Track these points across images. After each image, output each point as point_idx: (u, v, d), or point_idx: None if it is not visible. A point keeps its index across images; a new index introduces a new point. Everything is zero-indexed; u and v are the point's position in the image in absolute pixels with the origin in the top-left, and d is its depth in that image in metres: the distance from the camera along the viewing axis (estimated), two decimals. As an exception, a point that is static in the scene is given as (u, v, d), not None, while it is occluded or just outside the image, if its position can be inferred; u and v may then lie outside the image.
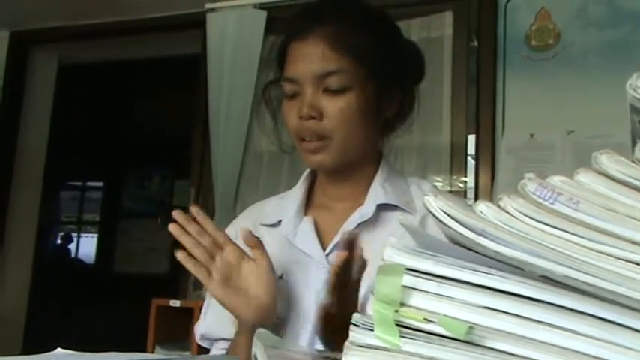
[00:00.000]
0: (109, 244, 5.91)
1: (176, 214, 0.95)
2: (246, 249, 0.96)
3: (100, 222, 6.40)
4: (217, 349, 1.07)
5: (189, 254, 0.94)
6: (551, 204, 0.43)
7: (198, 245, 0.94)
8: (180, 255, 0.93)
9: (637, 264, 0.40)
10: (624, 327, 0.41)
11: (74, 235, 6.73)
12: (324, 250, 1.03)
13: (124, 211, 5.94)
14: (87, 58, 3.73)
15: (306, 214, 1.09)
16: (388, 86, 1.04)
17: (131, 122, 5.76)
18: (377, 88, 1.02)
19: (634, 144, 0.44)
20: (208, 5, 2.88)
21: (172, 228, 0.94)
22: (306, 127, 1.00)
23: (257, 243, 0.95)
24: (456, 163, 2.53)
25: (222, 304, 0.95)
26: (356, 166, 1.07)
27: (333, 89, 0.99)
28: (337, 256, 0.85)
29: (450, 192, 2.40)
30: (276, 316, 0.97)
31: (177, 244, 0.95)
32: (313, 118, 0.99)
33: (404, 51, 1.09)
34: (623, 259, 0.40)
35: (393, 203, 1.04)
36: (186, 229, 0.94)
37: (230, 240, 0.96)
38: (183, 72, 3.30)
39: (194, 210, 0.96)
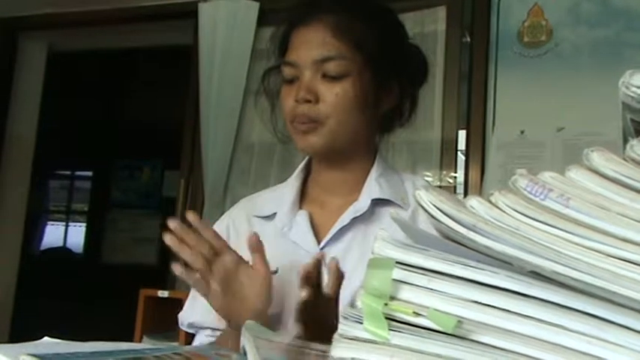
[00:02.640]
0: (98, 233, 5.88)
1: (172, 223, 0.89)
2: (242, 246, 0.94)
3: (89, 211, 6.36)
4: (202, 336, 1.08)
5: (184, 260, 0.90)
6: (542, 200, 0.43)
7: (197, 258, 0.89)
8: (178, 270, 0.89)
9: (627, 261, 0.40)
10: (613, 323, 0.41)
11: (62, 224, 6.69)
12: (319, 244, 1.04)
13: (113, 201, 5.90)
14: (77, 47, 3.69)
15: (300, 207, 1.09)
16: (386, 78, 1.05)
17: (121, 112, 5.73)
18: (374, 78, 1.03)
19: (625, 141, 0.44)
20: (201, -5, 2.86)
21: (169, 240, 0.88)
22: (301, 110, 1.01)
23: (259, 247, 0.92)
24: (446, 158, 2.53)
25: (218, 312, 0.93)
26: (350, 157, 1.07)
27: (331, 75, 1.01)
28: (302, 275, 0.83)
29: (440, 187, 2.41)
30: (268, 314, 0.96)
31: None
32: (309, 101, 1.00)
33: (406, 49, 1.11)
34: (613, 257, 0.40)
35: (387, 198, 1.05)
36: (184, 238, 0.89)
37: (227, 246, 0.92)
38: (175, 62, 3.28)
39: (191, 217, 0.91)
